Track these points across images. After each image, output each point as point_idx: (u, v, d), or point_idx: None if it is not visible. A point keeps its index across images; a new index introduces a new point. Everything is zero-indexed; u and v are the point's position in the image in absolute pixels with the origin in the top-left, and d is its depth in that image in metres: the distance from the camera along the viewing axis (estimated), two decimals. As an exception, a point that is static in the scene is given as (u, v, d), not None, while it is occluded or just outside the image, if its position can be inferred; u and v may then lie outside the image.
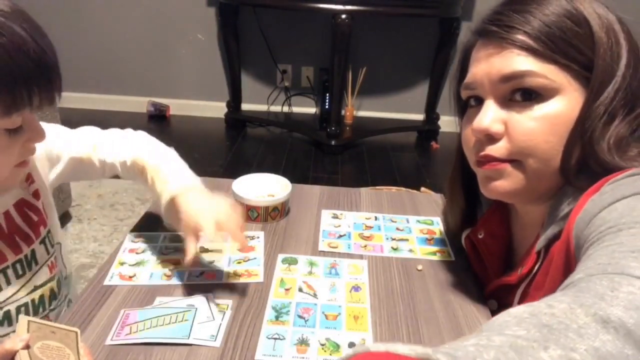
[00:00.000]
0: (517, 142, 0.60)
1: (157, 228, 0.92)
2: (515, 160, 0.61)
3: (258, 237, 0.91)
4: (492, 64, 0.61)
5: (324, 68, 3.15)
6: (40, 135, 0.67)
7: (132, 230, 0.92)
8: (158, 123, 3.30)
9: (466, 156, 0.70)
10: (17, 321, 0.72)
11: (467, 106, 0.68)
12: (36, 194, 0.78)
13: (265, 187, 1.01)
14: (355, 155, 2.96)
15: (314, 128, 3.14)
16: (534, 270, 0.64)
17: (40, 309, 0.78)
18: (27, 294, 0.75)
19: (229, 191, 0.98)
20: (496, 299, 0.75)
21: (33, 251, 0.76)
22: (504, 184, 0.63)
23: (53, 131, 0.81)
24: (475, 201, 0.81)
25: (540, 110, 0.58)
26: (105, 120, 3.32)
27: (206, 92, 3.37)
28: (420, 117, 3.31)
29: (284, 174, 1.02)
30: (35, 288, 0.77)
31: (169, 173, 0.81)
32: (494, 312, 0.74)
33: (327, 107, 3.13)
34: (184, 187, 0.77)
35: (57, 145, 0.82)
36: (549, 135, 0.58)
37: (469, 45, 0.67)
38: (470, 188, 0.76)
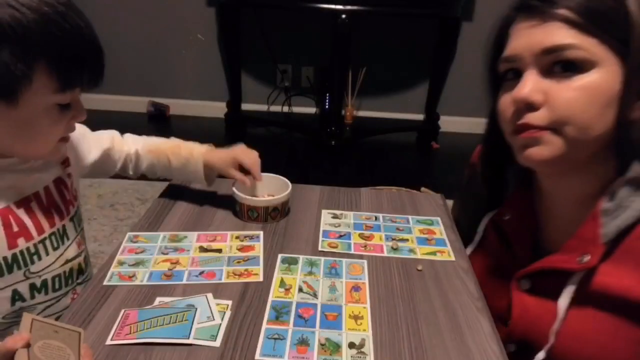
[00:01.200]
0: (557, 110, 0.62)
1: (157, 228, 0.93)
2: (553, 128, 0.63)
3: (258, 237, 0.91)
4: (534, 37, 0.63)
5: (324, 68, 3.15)
6: (82, 113, 0.75)
7: (132, 230, 0.92)
8: (158, 123, 3.30)
9: (501, 128, 0.71)
10: (52, 290, 0.81)
11: (502, 80, 0.70)
12: (69, 176, 0.86)
13: (265, 187, 1.01)
14: (355, 155, 2.96)
15: (314, 128, 3.14)
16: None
17: (70, 281, 0.85)
18: (61, 265, 0.82)
19: (229, 191, 0.98)
20: (530, 279, 0.73)
21: (64, 227, 0.83)
22: (541, 150, 0.65)
23: (82, 127, 0.92)
24: (498, 186, 0.82)
25: (580, 81, 0.61)
26: (105, 120, 3.30)
27: (206, 92, 3.37)
28: (420, 117, 3.31)
29: (284, 174, 1.02)
30: (67, 261, 0.84)
31: (186, 145, 0.99)
32: (526, 293, 0.73)
33: (327, 107, 3.12)
34: (206, 147, 0.98)
35: (89, 138, 0.94)
36: (587, 104, 0.61)
37: (508, 21, 0.69)
38: (496, 171, 0.77)
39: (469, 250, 0.88)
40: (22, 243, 0.75)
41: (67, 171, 0.86)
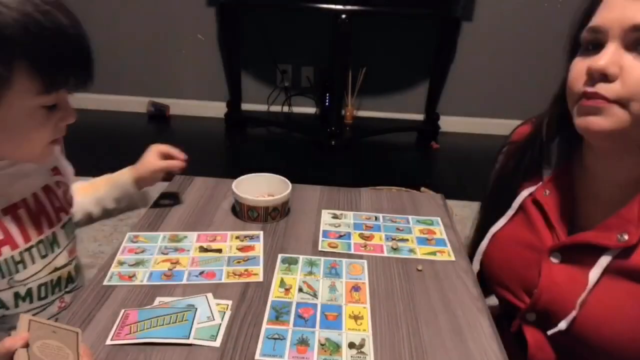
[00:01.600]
0: (630, 86, 0.63)
1: (157, 228, 0.93)
2: (621, 103, 0.64)
3: (258, 237, 0.91)
4: (627, 11, 0.63)
5: (324, 68, 3.15)
6: (71, 115, 0.73)
7: (132, 230, 0.92)
8: (158, 123, 3.30)
9: (567, 96, 0.71)
10: (37, 298, 0.78)
11: (581, 48, 0.70)
12: (58, 185, 0.85)
13: (265, 187, 1.01)
14: (355, 155, 2.96)
15: (314, 128, 3.14)
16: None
17: (57, 289, 0.82)
18: (48, 274, 0.80)
19: (229, 191, 0.98)
20: (562, 253, 0.75)
21: (54, 234, 0.81)
22: (602, 121, 0.65)
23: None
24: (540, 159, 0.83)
25: None
26: (105, 120, 3.33)
27: (206, 92, 3.37)
28: (420, 117, 3.31)
29: (284, 174, 1.02)
30: (56, 269, 0.81)
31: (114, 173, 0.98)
32: (556, 265, 0.75)
33: (327, 107, 3.12)
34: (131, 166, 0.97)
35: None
36: None
37: None
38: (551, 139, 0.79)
39: (501, 222, 0.86)
40: (6, 251, 0.73)
41: (57, 179, 0.85)
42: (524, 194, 0.83)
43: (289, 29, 3.15)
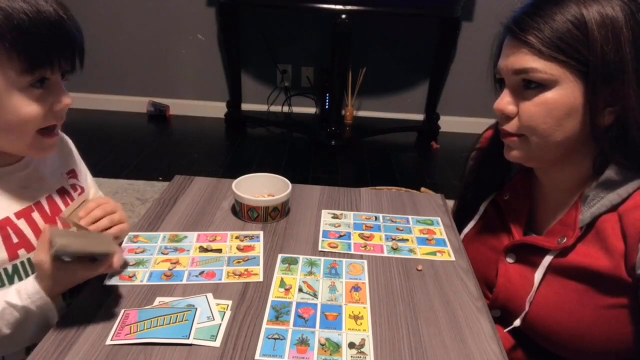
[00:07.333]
0: (522, 121, 0.74)
1: (157, 228, 0.93)
2: (523, 134, 0.75)
3: (258, 237, 0.91)
4: (509, 58, 0.74)
5: (324, 68, 3.15)
6: (64, 97, 0.71)
7: (132, 230, 0.92)
8: (158, 123, 3.30)
9: None
10: (63, 299, 0.78)
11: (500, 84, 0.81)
12: (74, 187, 0.86)
13: (265, 187, 1.01)
14: (355, 155, 2.96)
15: (314, 128, 3.14)
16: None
17: (76, 292, 0.80)
18: None
19: (229, 191, 0.98)
20: (516, 253, 0.84)
21: None
22: (516, 152, 0.79)
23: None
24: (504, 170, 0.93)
25: (541, 97, 0.71)
26: (105, 120, 3.33)
27: (206, 92, 3.37)
28: (420, 117, 3.31)
29: (284, 174, 1.02)
30: None
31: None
32: (511, 264, 0.84)
33: (327, 107, 3.12)
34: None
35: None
36: (546, 117, 0.72)
37: (501, 37, 0.78)
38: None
39: (470, 225, 0.96)
40: (23, 254, 0.74)
41: (73, 182, 0.86)
42: (490, 198, 0.93)
43: (289, 29, 3.15)
